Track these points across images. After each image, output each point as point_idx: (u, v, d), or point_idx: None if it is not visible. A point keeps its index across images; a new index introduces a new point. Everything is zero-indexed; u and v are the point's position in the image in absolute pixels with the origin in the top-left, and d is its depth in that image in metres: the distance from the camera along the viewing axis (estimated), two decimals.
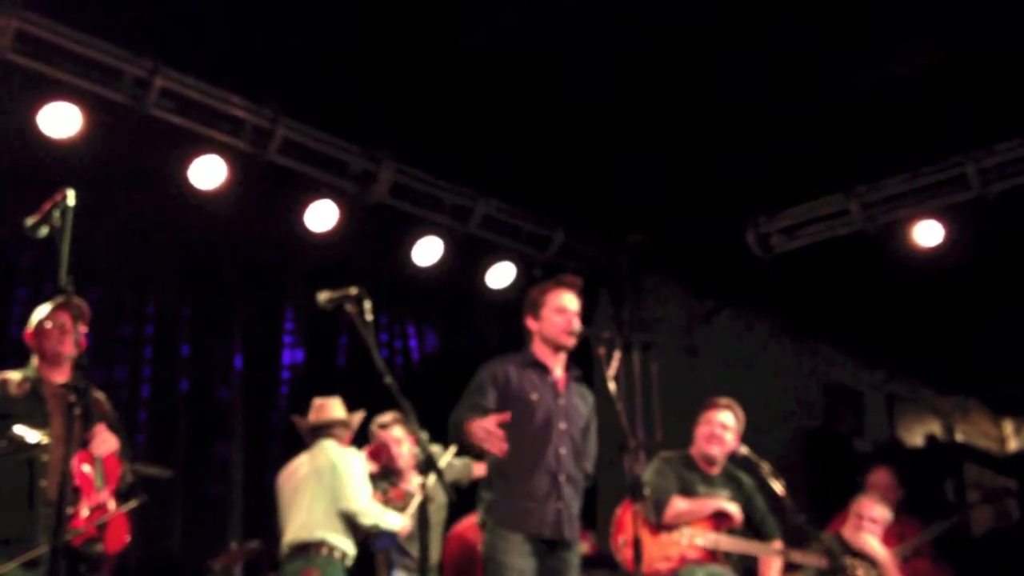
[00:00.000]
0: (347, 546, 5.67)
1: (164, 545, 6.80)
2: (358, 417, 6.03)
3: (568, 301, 4.72)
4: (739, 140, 6.69)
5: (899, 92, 6.20)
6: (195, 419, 7.18)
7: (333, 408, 5.97)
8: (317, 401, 6.01)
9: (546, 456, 4.57)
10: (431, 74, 6.12)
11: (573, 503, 4.61)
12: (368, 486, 5.75)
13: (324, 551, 5.59)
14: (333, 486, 5.67)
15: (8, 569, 4.14)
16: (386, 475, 6.04)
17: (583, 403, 4.80)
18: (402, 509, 5.83)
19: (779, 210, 7.58)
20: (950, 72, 6.05)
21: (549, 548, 4.52)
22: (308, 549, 5.60)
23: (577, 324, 4.67)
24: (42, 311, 4.64)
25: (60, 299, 3.79)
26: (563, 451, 4.60)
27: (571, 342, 4.69)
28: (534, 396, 4.63)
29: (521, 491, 4.53)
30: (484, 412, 4.57)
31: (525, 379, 4.67)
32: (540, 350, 4.75)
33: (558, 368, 4.76)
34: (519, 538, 4.46)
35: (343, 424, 5.94)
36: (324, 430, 5.90)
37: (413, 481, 6.01)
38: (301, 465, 5.89)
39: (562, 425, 4.64)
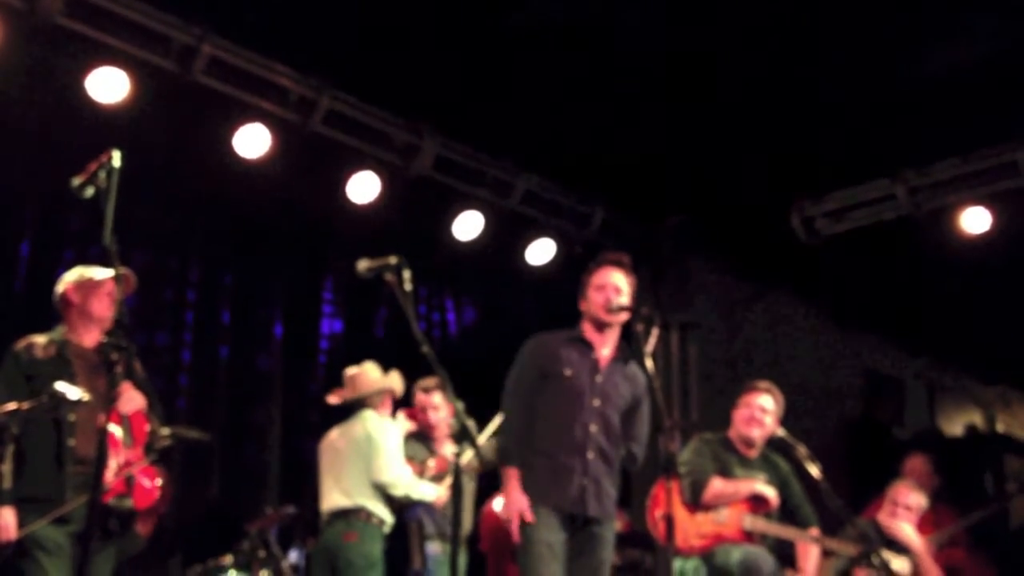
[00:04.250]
0: (385, 514, 5.81)
1: (201, 508, 6.90)
2: (394, 379, 6.06)
3: (609, 277, 4.70)
4: (786, 121, 6.62)
5: (949, 77, 6.10)
6: (234, 385, 7.28)
7: (367, 378, 6.02)
8: (350, 372, 6.06)
9: (574, 431, 4.56)
10: (476, 48, 6.11)
11: (603, 480, 4.58)
12: (401, 457, 5.82)
13: (363, 516, 5.75)
14: (367, 456, 5.76)
15: (39, 526, 4.21)
16: (422, 438, 6.11)
17: (628, 384, 4.73)
18: (441, 479, 5.89)
19: (824, 193, 7.50)
20: (1002, 59, 5.94)
21: (580, 522, 4.52)
22: (348, 515, 5.76)
23: (615, 300, 4.64)
24: (86, 271, 4.69)
25: (114, 269, 3.82)
26: (593, 428, 4.58)
27: (610, 318, 4.65)
28: (568, 371, 4.63)
29: (548, 464, 4.54)
30: (526, 406, 4.61)
31: (565, 355, 4.67)
32: (587, 328, 4.74)
33: (605, 347, 4.71)
34: (547, 511, 4.47)
35: (379, 392, 6.00)
36: (361, 401, 5.98)
37: (447, 449, 6.07)
38: (339, 435, 5.99)
39: (595, 402, 4.61)
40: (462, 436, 4.06)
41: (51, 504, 4.24)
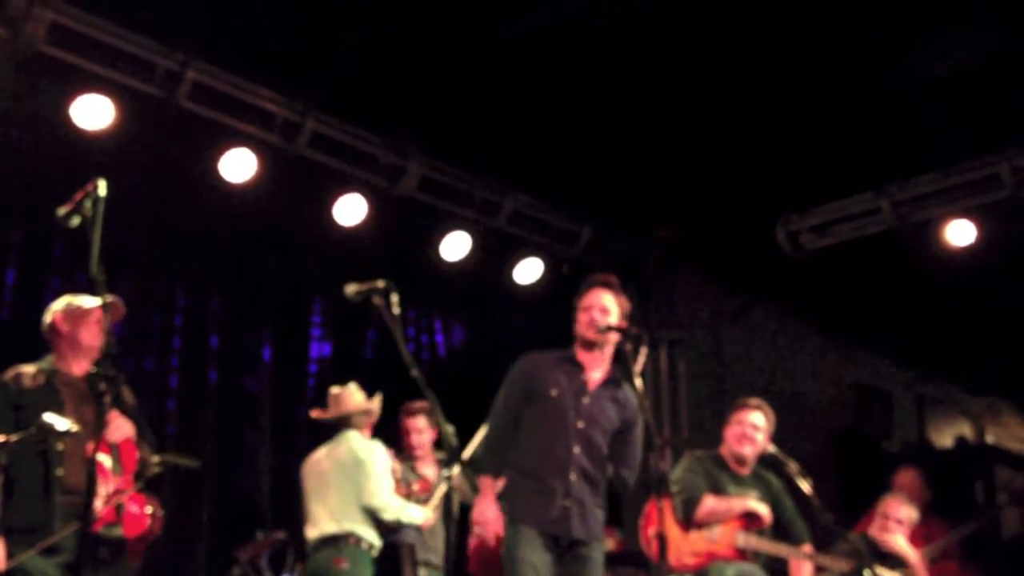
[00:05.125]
0: (373, 537, 5.77)
1: (191, 535, 6.85)
2: (377, 402, 6.06)
3: (596, 298, 4.68)
4: (770, 136, 6.65)
5: (932, 90, 6.14)
6: (223, 410, 7.23)
7: (351, 398, 6.01)
8: (334, 391, 6.05)
9: (557, 452, 4.54)
10: (461, 68, 6.13)
11: (588, 501, 4.55)
12: (390, 480, 5.80)
13: (352, 541, 5.71)
14: (356, 480, 5.72)
15: (28, 557, 4.18)
16: (405, 459, 6.11)
17: (617, 407, 4.68)
18: (425, 501, 5.87)
19: (809, 208, 7.52)
20: (984, 70, 5.98)
21: (565, 544, 4.50)
22: (337, 540, 5.72)
23: (601, 320, 4.62)
24: (74, 300, 4.67)
25: (102, 297, 3.81)
26: (576, 449, 4.56)
27: (596, 338, 4.63)
28: (553, 392, 4.61)
29: (531, 485, 4.54)
30: (509, 422, 4.63)
31: (553, 375, 4.65)
32: (578, 350, 4.74)
33: (596, 369, 4.70)
34: (533, 532, 4.45)
35: (363, 412, 5.99)
36: (345, 421, 5.96)
37: (427, 471, 6.07)
38: (324, 456, 5.95)
39: (579, 424, 4.59)
40: (452, 459, 4.05)
41: (40, 534, 4.21)
